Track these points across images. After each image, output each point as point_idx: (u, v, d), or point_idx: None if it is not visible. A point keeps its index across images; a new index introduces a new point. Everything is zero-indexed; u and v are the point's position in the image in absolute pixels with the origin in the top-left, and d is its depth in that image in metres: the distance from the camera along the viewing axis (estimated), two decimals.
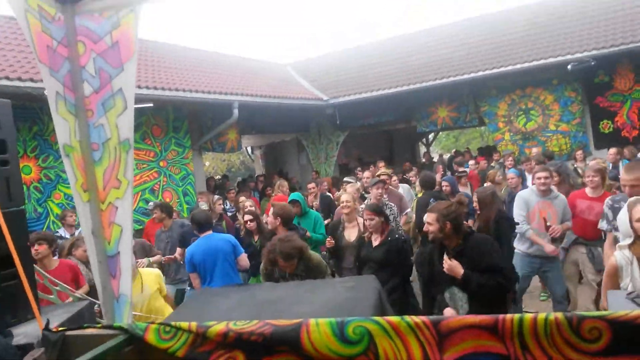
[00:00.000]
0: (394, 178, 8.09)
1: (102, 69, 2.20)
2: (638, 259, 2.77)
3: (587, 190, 5.05)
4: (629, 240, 2.89)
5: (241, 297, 2.89)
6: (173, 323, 1.48)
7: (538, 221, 4.88)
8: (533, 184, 5.14)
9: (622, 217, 2.99)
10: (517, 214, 4.97)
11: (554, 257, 4.90)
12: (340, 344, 1.33)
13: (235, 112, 9.89)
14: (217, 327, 1.43)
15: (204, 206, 5.93)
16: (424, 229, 3.59)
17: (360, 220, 5.00)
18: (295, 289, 2.97)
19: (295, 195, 6.03)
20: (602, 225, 4.13)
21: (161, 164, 9.23)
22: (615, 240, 3.72)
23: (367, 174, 7.77)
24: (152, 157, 9.09)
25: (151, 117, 9.14)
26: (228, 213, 8.61)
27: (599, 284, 4.99)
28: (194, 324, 1.45)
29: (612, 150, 8.01)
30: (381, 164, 10.51)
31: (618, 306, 1.82)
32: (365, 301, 2.54)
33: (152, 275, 4.44)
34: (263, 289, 3.10)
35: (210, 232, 5.00)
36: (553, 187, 5.06)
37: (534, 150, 10.37)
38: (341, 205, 5.28)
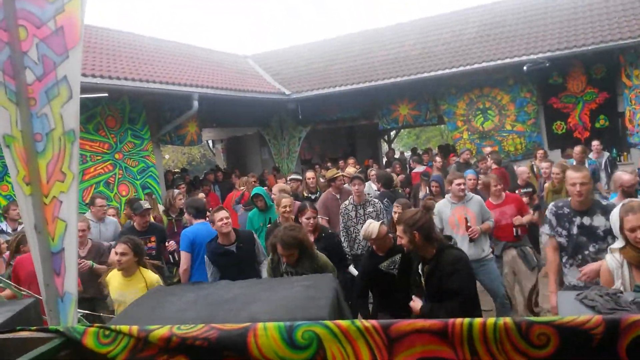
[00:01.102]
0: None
1: (45, 56, 2.09)
2: (628, 262, 2.80)
3: (490, 199, 5.46)
4: (620, 244, 2.88)
5: (196, 296, 2.81)
6: (113, 327, 1.40)
7: (458, 227, 4.98)
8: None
9: (615, 221, 2.95)
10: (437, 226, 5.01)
11: (485, 260, 4.96)
12: (289, 349, 1.29)
13: (195, 104, 9.69)
14: (160, 331, 1.36)
15: (146, 204, 5.72)
16: (398, 242, 3.48)
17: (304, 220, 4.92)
18: (252, 287, 2.91)
19: (258, 189, 5.97)
20: (544, 229, 3.96)
21: (116, 156, 8.92)
22: (560, 247, 3.75)
23: (309, 174, 7.62)
24: (107, 149, 8.78)
25: (106, 107, 8.83)
26: None
27: (535, 285, 5.25)
28: (134, 328, 1.38)
29: (578, 148, 8.26)
30: (351, 160, 10.44)
31: (567, 307, 1.85)
32: (322, 300, 2.50)
33: (155, 278, 4.01)
34: (219, 287, 3.03)
35: (205, 220, 5.22)
36: (468, 192, 5.22)
37: (488, 149, 10.60)
38: (281, 209, 5.04)
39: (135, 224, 5.64)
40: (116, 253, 3.84)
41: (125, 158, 9.08)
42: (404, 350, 1.24)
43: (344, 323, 1.30)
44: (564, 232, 3.72)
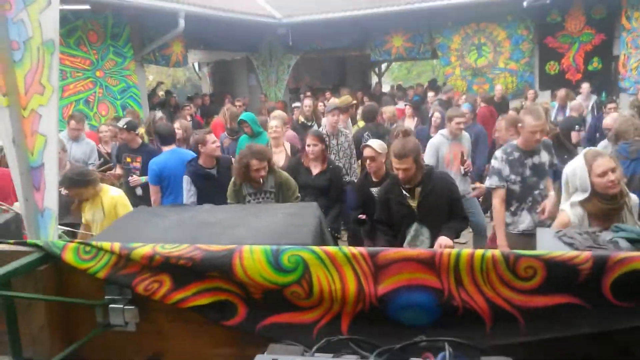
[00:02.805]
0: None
1: None
2: (589, 216, 2.67)
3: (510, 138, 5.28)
4: (582, 196, 2.68)
5: (180, 218, 2.80)
6: (94, 243, 1.38)
7: (452, 164, 4.99)
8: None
9: (578, 171, 2.70)
10: (427, 162, 4.87)
11: (469, 195, 5.11)
12: (274, 271, 1.28)
13: (182, 22, 9.25)
14: (143, 249, 1.34)
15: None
16: (400, 176, 3.38)
17: (287, 145, 5.04)
18: (236, 212, 2.91)
19: (245, 115, 5.83)
20: (492, 181, 3.73)
21: (97, 73, 8.60)
22: (510, 194, 3.67)
23: (307, 102, 7.49)
24: (88, 65, 8.44)
25: (88, 21, 8.39)
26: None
27: None
28: (117, 245, 1.36)
29: (562, 92, 8.19)
30: (344, 91, 10.23)
31: (546, 244, 1.87)
32: (305, 227, 2.51)
33: (112, 200, 4.01)
34: (204, 210, 3.01)
35: (174, 146, 4.95)
36: None
37: (448, 86, 10.41)
38: (269, 130, 5.16)
39: (123, 139, 5.53)
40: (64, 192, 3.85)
41: (106, 76, 8.75)
42: (390, 277, 1.24)
43: (331, 249, 1.29)
44: (518, 178, 3.67)
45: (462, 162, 4.97)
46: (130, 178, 5.25)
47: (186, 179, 4.30)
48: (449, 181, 3.56)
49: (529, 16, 10.69)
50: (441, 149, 5.03)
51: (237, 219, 2.70)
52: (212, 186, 4.30)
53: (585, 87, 8.56)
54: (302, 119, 7.21)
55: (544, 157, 3.73)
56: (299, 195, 4.03)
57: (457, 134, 5.05)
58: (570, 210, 2.75)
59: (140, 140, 5.56)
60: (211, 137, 4.36)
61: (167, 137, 4.95)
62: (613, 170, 2.59)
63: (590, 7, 10.31)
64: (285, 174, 4.02)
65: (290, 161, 4.77)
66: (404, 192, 3.43)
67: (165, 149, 4.91)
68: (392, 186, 3.53)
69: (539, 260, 1.18)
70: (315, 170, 4.42)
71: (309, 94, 11.99)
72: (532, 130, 3.56)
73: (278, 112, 6.57)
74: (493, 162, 3.78)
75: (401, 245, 3.48)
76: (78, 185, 3.90)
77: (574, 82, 10.25)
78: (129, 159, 5.39)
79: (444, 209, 3.41)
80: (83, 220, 4.08)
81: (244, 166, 3.75)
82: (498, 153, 3.79)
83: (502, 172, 3.69)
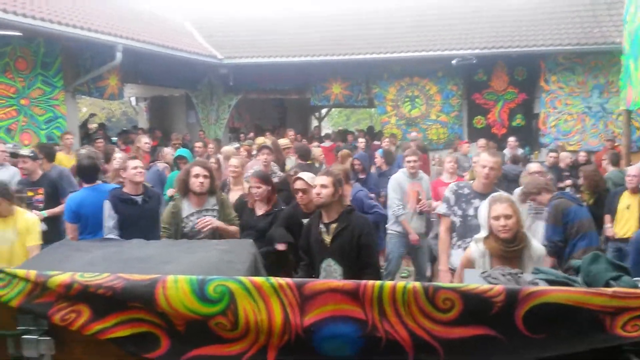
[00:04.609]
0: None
1: None
2: (490, 253, 2.88)
3: (444, 177, 5.71)
4: (484, 234, 2.94)
5: (105, 252, 2.64)
6: (8, 269, 1.29)
7: (409, 201, 5.22)
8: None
9: (482, 211, 3.00)
10: (393, 197, 5.26)
11: (424, 235, 5.32)
12: (199, 302, 1.26)
13: (119, 55, 9.07)
14: (60, 277, 1.28)
15: (24, 151, 5.30)
16: (315, 196, 3.42)
17: (247, 185, 4.95)
18: (167, 248, 2.81)
19: (183, 151, 5.79)
20: (441, 209, 4.00)
21: (22, 101, 8.18)
22: (452, 226, 3.86)
23: (259, 140, 7.68)
24: (13, 93, 8.01)
25: (17, 48, 8.03)
26: None
27: None
28: (32, 272, 1.28)
29: (482, 141, 8.77)
30: (290, 132, 10.32)
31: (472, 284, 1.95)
32: (239, 264, 2.46)
33: (29, 222, 3.92)
34: (132, 246, 2.88)
35: (99, 182, 4.55)
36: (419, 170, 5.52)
37: (413, 134, 10.99)
38: (229, 168, 5.25)
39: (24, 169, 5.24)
40: None
41: (32, 105, 8.34)
42: (316, 308, 1.25)
43: (258, 279, 1.29)
44: (459, 212, 3.80)
45: (418, 201, 5.15)
46: (34, 212, 4.81)
47: (106, 204, 4.07)
48: (366, 225, 3.46)
49: (457, 74, 11.46)
50: (402, 186, 5.24)
51: (168, 254, 2.60)
52: (135, 213, 4.10)
53: (512, 140, 9.20)
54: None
55: None
56: (237, 216, 4.04)
57: (413, 173, 5.29)
58: (474, 245, 2.99)
59: (40, 172, 5.28)
60: (132, 163, 4.18)
61: (88, 175, 4.49)
62: (507, 217, 2.81)
63: (513, 69, 11.22)
64: (224, 195, 4.09)
65: (236, 200, 4.65)
66: (322, 226, 3.47)
67: (87, 185, 4.48)
68: (315, 218, 3.58)
69: (455, 292, 1.24)
70: (260, 211, 4.35)
71: (252, 134, 12.06)
72: (483, 164, 3.72)
73: (233, 151, 6.61)
74: (445, 192, 4.02)
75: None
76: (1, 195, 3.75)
77: (500, 136, 11.00)
78: (30, 193, 5.10)
79: (355, 249, 3.37)
80: None
81: (185, 173, 3.79)
82: (452, 185, 4.04)
83: (449, 202, 3.87)
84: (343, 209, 3.47)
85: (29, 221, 3.89)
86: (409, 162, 5.31)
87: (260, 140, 7.20)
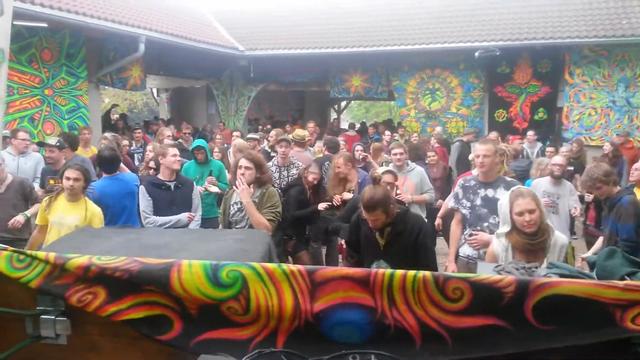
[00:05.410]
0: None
1: None
2: (513, 247, 2.88)
3: (474, 171, 5.45)
4: (506, 229, 2.92)
5: (125, 239, 2.71)
6: (28, 252, 1.34)
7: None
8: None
9: (504, 206, 2.97)
10: None
11: None
12: (212, 286, 1.29)
13: (142, 47, 9.22)
14: (79, 259, 1.32)
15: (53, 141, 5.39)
16: (370, 225, 3.24)
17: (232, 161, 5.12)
18: (183, 236, 2.86)
19: (200, 141, 5.86)
20: (450, 203, 4.12)
21: (46, 92, 8.36)
22: (463, 219, 3.87)
23: (273, 132, 7.66)
24: (37, 83, 8.20)
25: (43, 39, 8.21)
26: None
27: None
28: (52, 255, 1.33)
29: (493, 134, 8.72)
30: (311, 124, 10.21)
31: None
32: (253, 254, 2.50)
33: (97, 210, 4.03)
34: (150, 233, 2.96)
35: (118, 172, 4.73)
36: (408, 161, 5.47)
37: (437, 129, 10.89)
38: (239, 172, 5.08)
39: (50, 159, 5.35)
40: (68, 178, 3.85)
41: (56, 95, 8.53)
42: (326, 295, 1.27)
43: (270, 266, 1.31)
44: (468, 204, 3.86)
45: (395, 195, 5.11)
46: None
47: (141, 189, 4.35)
48: (422, 226, 3.33)
49: (479, 66, 11.28)
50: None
51: (184, 242, 2.65)
52: (167, 198, 4.32)
53: (530, 134, 9.04)
54: (267, 148, 7.31)
55: (500, 193, 3.71)
56: (279, 211, 3.94)
57: (399, 166, 5.22)
58: (496, 240, 2.99)
59: (64, 161, 5.31)
60: (172, 151, 4.45)
61: (109, 166, 4.58)
62: (530, 211, 2.80)
63: (537, 61, 10.99)
64: (274, 188, 4.08)
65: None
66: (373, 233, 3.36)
67: (108, 175, 4.59)
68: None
69: (466, 282, 1.24)
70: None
71: (268, 126, 12.11)
72: (476, 154, 3.82)
73: (244, 144, 6.53)
74: (455, 188, 4.15)
75: None
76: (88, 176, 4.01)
77: (521, 130, 10.80)
78: (52, 181, 5.22)
79: (411, 252, 3.24)
80: (39, 220, 4.00)
81: (234, 164, 3.98)
82: (460, 180, 4.12)
83: (458, 196, 3.95)
84: (395, 212, 3.25)
85: (95, 210, 3.99)
86: (394, 154, 5.26)
87: (274, 132, 7.19)
